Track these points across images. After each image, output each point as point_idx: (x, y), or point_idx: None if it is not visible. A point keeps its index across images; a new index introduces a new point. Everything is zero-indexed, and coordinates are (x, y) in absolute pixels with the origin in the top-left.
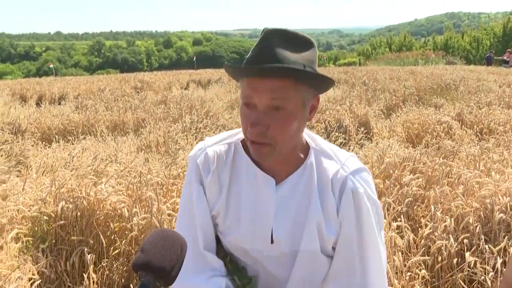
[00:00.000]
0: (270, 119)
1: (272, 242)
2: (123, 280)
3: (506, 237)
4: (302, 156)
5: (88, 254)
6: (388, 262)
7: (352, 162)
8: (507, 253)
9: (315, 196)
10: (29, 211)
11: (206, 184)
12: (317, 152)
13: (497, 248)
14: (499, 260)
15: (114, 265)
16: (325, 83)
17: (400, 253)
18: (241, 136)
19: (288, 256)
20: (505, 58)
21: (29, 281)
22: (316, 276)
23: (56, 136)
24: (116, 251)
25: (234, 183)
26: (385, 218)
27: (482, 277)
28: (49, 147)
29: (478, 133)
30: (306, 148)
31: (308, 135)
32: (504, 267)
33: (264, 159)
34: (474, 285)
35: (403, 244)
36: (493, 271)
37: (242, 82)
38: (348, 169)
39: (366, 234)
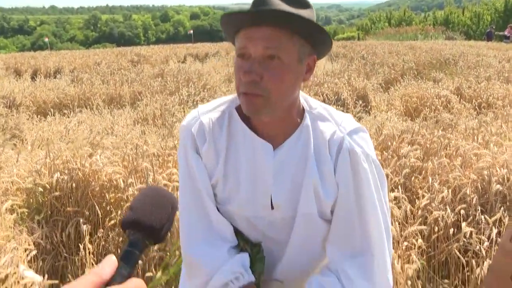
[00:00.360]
0: (264, 68)
1: (272, 208)
2: (119, 251)
3: (502, 208)
4: (298, 120)
5: (84, 225)
6: None
7: (349, 123)
8: (503, 224)
9: (312, 159)
10: (23, 182)
11: (202, 153)
12: (312, 115)
13: (493, 218)
14: (495, 231)
15: (110, 236)
16: (324, 42)
17: (397, 223)
18: (235, 103)
19: (289, 220)
20: (506, 33)
21: (25, 251)
22: (315, 239)
23: (52, 110)
24: (112, 221)
25: (231, 150)
26: None
27: (477, 247)
28: (44, 120)
29: (476, 107)
30: (302, 112)
31: (304, 98)
32: (499, 238)
33: (257, 113)
34: (469, 254)
35: (400, 215)
36: (488, 241)
37: (237, 37)
38: (345, 130)
39: (364, 195)
